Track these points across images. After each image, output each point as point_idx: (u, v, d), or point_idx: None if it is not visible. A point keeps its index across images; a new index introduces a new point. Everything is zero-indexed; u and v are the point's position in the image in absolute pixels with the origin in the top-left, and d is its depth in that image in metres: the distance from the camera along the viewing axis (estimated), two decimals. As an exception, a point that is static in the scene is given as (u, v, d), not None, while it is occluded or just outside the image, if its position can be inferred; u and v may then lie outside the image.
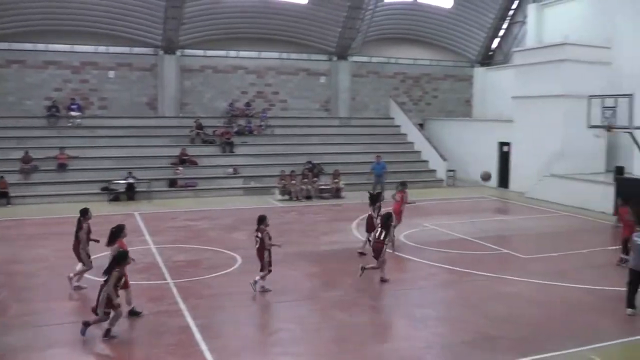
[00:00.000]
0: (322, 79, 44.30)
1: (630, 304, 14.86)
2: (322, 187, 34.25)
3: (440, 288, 17.45)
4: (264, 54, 42.77)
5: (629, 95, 27.13)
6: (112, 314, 12.78)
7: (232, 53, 42.00)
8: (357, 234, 23.83)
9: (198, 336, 12.89)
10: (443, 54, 48.88)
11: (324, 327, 13.86)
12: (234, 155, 37.42)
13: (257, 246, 16.13)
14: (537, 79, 35.56)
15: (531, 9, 43.78)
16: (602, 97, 28.24)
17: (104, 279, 12.84)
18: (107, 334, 12.74)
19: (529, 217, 28.56)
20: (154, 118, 39.51)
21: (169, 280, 16.92)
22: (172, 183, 34.16)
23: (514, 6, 46.84)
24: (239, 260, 19.32)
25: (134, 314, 14.02)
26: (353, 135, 42.08)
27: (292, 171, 34.01)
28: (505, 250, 21.59)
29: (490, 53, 49.66)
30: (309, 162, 36.59)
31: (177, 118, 39.69)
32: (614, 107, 27.20)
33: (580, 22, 38.73)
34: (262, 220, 16.21)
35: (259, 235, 16.02)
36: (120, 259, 13.01)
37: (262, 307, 15.20)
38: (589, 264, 20.03)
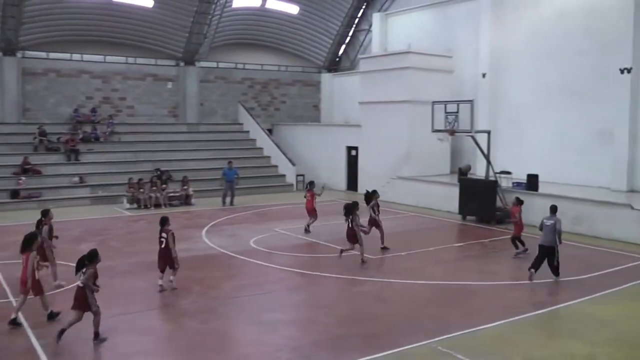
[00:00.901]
0: (170, 85, 43.65)
1: (534, 266, 17.68)
2: (172, 194, 33.63)
3: (290, 292, 17.47)
4: (109, 58, 41.55)
5: (470, 101, 28.27)
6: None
7: (77, 56, 40.58)
8: (207, 240, 23.62)
9: (43, 357, 12.25)
10: (291, 59, 49.38)
11: (175, 337, 13.61)
12: (79, 163, 36.05)
13: (162, 247, 16.86)
14: (383, 85, 36.48)
15: (376, 18, 44.91)
16: (445, 102, 29.25)
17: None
18: (97, 337, 13.01)
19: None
20: (-7, 125, 37.49)
21: (11, 298, 16.02)
22: (15, 194, 32.47)
23: (360, 14, 47.81)
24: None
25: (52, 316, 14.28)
26: (202, 142, 41.67)
27: (140, 179, 33.27)
28: (355, 252, 21.93)
29: (337, 59, 50.60)
30: (158, 170, 35.92)
31: (18, 124, 37.70)
32: (456, 112, 28.22)
33: (423, 32, 40.25)
34: (164, 221, 17.11)
35: (164, 235, 16.80)
36: (92, 257, 13.16)
37: (111, 320, 14.53)
38: (435, 261, 20.78)
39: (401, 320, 14.35)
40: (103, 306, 15.07)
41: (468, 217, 28.86)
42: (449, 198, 30.47)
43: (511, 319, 14.43)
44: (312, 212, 25.75)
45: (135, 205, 32.17)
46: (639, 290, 17.30)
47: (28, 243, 14.43)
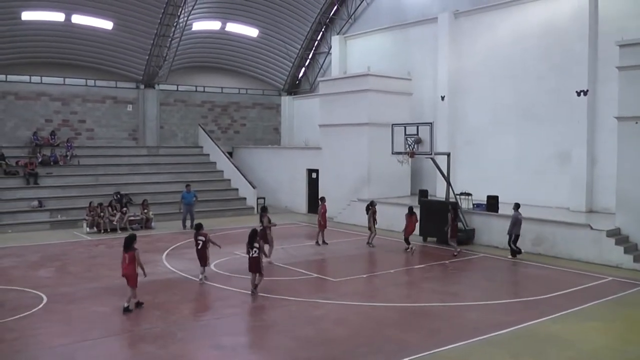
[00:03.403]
0: (130, 107, 43.40)
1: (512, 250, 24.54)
2: (132, 218, 33.28)
3: (251, 315, 17.40)
4: (69, 81, 41.25)
5: (429, 124, 28.44)
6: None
7: (36, 79, 40.18)
8: (168, 264, 23.41)
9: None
10: (251, 82, 49.46)
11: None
12: (38, 187, 35.51)
13: (198, 247, 20.59)
14: (342, 107, 36.64)
15: (335, 41, 45.18)
16: (405, 125, 29.40)
17: (254, 251, 18.84)
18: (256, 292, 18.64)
19: (338, 241, 29.08)
20: (-49, 149, 36.75)
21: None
22: (-29, 219, 32.02)
23: (319, 37, 48.06)
24: (45, 299, 18.24)
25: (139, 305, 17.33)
26: (161, 165, 41.41)
27: (100, 203, 32.90)
28: (316, 275, 21.93)
29: (297, 82, 50.76)
30: (118, 193, 35.58)
31: (-24, 149, 37.17)
32: (416, 134, 28.36)
33: (382, 55, 40.64)
34: (199, 226, 21.16)
35: (201, 238, 20.54)
36: (256, 233, 19.24)
37: (70, 347, 14.30)
38: (395, 283, 20.83)
39: (362, 343, 14.33)
40: (61, 333, 14.94)
41: (429, 239, 29.00)
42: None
43: (472, 340, 14.50)
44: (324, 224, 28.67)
45: (95, 230, 31.75)
46: (600, 310, 17.50)
47: (129, 243, 17.21)
